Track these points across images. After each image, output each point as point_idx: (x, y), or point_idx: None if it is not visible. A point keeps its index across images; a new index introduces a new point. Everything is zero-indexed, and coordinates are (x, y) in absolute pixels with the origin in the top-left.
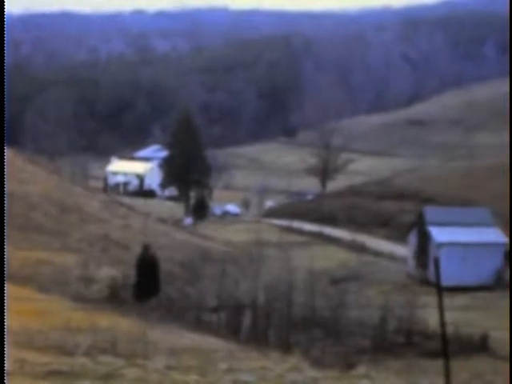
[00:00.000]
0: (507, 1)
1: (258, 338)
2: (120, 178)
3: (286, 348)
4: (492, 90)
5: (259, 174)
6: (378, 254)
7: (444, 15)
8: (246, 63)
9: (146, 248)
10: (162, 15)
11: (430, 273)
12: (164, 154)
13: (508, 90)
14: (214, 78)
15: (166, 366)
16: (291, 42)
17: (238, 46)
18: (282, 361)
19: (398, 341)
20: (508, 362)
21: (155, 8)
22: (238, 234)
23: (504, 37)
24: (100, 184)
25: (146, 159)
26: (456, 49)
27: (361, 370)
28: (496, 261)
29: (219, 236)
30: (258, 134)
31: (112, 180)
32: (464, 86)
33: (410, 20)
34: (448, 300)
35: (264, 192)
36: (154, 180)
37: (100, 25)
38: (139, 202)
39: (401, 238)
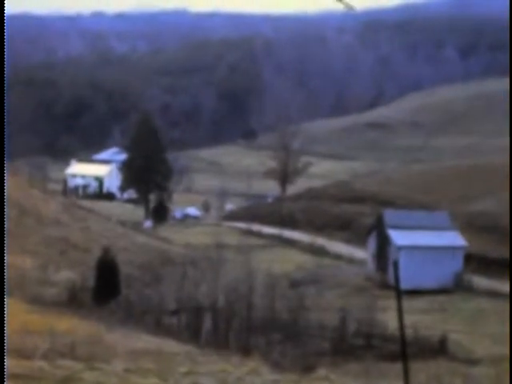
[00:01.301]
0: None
1: (218, 341)
2: (79, 181)
3: (246, 351)
4: (452, 94)
5: (219, 177)
6: (337, 256)
7: (404, 19)
8: (206, 66)
9: (106, 251)
10: (121, 17)
11: (390, 276)
12: (123, 156)
13: (468, 94)
14: (174, 81)
15: (125, 369)
16: (251, 44)
17: (197, 49)
18: (242, 364)
19: (357, 343)
20: (466, 364)
21: (114, 10)
22: (197, 237)
23: (464, 40)
24: (59, 187)
25: (106, 162)
26: (416, 52)
27: (320, 372)
28: (455, 264)
29: (179, 239)
30: (218, 136)
31: (71, 183)
32: (424, 90)
33: (370, 23)
34: (407, 303)
35: (224, 195)
36: (113, 183)
37: (59, 26)
38: (99, 205)
39: (360, 241)
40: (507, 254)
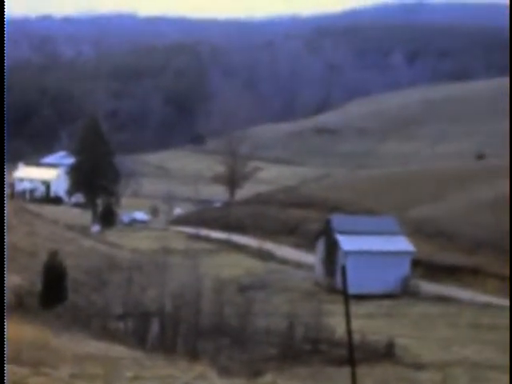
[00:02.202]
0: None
1: (165, 346)
2: (26, 185)
3: (194, 356)
4: (399, 99)
5: (167, 182)
6: (285, 261)
7: (351, 25)
8: (153, 70)
9: (53, 255)
10: (68, 21)
11: (338, 281)
12: (71, 160)
13: (414, 100)
14: (121, 85)
15: (71, 374)
16: (198, 49)
17: (145, 53)
18: (189, 369)
19: (304, 348)
20: (412, 368)
21: (62, 14)
22: (145, 242)
23: (411, 46)
24: (6, 190)
25: (53, 166)
26: (363, 58)
27: (268, 377)
28: (402, 269)
29: (127, 243)
30: (166, 141)
31: (18, 186)
32: (371, 95)
33: (317, 29)
34: (355, 308)
35: (172, 199)
36: (60, 187)
37: (6, 30)
38: (46, 209)
39: (308, 246)
40: (453, 260)
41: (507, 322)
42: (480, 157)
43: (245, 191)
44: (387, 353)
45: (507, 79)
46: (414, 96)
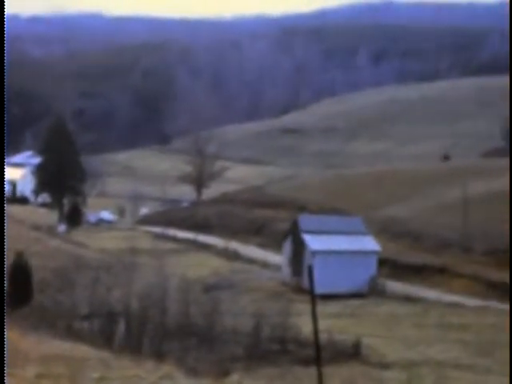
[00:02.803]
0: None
1: (132, 346)
2: None
3: (160, 356)
4: (365, 99)
5: (134, 181)
6: (251, 261)
7: (319, 25)
8: (122, 70)
9: (19, 255)
10: (36, 20)
11: (305, 280)
12: (37, 160)
13: (381, 100)
14: (89, 84)
15: (37, 374)
16: (167, 49)
17: (113, 53)
18: (156, 369)
19: (271, 348)
20: (379, 368)
21: (29, 13)
22: (112, 242)
23: (378, 46)
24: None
25: (19, 165)
26: (329, 58)
27: (234, 377)
28: (369, 269)
29: (93, 243)
30: (133, 140)
31: None
32: (338, 95)
33: (285, 29)
34: (322, 307)
35: (138, 199)
36: (26, 186)
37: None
38: (12, 209)
39: (274, 246)
40: (419, 259)
41: (473, 321)
42: (446, 158)
43: (212, 191)
44: (354, 352)
45: (472, 80)
46: (381, 96)
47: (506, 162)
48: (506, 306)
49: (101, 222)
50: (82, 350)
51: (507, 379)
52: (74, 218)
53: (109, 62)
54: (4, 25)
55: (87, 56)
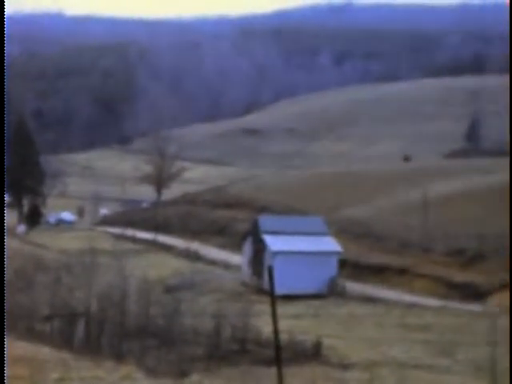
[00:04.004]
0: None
1: (92, 347)
2: None
3: (120, 357)
4: (326, 100)
5: (93, 182)
6: (212, 262)
7: (279, 26)
8: (81, 70)
9: None
10: None
11: (265, 281)
12: None
13: (342, 100)
14: (47, 85)
15: None
16: (126, 49)
17: (72, 53)
18: (115, 370)
19: (232, 349)
20: (340, 368)
21: None
22: (72, 242)
23: (339, 47)
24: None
25: None
26: (290, 59)
27: (194, 378)
28: (330, 269)
29: (53, 244)
30: (92, 141)
31: None
32: (298, 96)
33: (245, 30)
34: (282, 308)
35: (98, 200)
36: None
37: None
38: None
39: (235, 247)
40: (380, 260)
41: (434, 321)
42: (406, 159)
43: (172, 191)
44: (315, 353)
45: (434, 80)
46: (341, 97)
47: (468, 162)
48: (467, 307)
49: (60, 223)
50: (42, 351)
51: (467, 379)
52: (33, 218)
53: (67, 62)
54: (4, 25)
55: (45, 56)
